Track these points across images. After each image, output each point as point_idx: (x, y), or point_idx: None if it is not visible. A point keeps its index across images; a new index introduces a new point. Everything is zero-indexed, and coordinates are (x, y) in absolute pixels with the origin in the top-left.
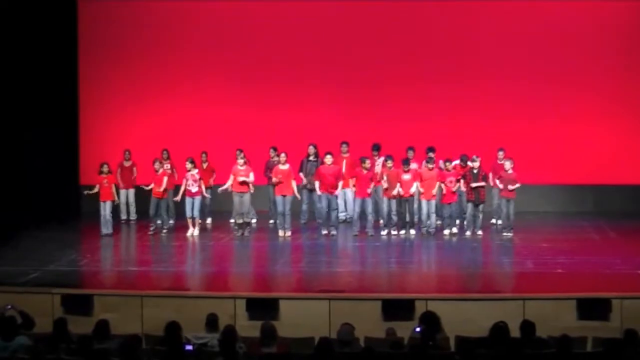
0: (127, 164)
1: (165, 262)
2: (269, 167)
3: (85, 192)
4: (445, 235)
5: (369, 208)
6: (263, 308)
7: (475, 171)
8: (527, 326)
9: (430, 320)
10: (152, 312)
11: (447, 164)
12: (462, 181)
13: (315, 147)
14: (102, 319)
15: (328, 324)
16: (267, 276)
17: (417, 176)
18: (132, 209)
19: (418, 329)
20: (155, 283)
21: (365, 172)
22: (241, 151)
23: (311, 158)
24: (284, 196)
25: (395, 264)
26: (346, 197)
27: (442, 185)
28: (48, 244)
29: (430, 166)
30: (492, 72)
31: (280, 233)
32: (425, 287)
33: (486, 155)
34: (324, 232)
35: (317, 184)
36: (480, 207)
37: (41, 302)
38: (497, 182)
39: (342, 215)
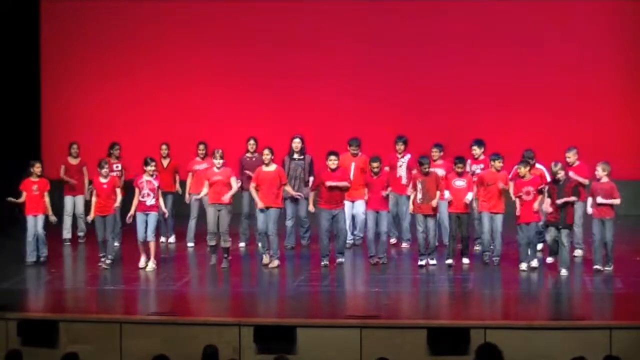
0: (73, 161)
1: (151, 280)
2: (245, 166)
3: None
4: (522, 269)
5: (384, 225)
6: (276, 338)
7: (560, 182)
8: None
9: (490, 355)
10: (134, 343)
11: (522, 167)
12: (545, 194)
13: (302, 140)
14: (70, 352)
15: (359, 359)
16: (280, 297)
17: (474, 182)
18: (82, 222)
19: None
20: (138, 306)
21: (374, 177)
22: (206, 146)
23: (296, 156)
24: (266, 209)
25: (445, 282)
26: (356, 210)
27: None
28: (1, 255)
29: (499, 164)
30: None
31: (265, 260)
32: (483, 312)
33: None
34: (324, 262)
35: (312, 197)
36: (565, 233)
37: None
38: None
39: (349, 239)
